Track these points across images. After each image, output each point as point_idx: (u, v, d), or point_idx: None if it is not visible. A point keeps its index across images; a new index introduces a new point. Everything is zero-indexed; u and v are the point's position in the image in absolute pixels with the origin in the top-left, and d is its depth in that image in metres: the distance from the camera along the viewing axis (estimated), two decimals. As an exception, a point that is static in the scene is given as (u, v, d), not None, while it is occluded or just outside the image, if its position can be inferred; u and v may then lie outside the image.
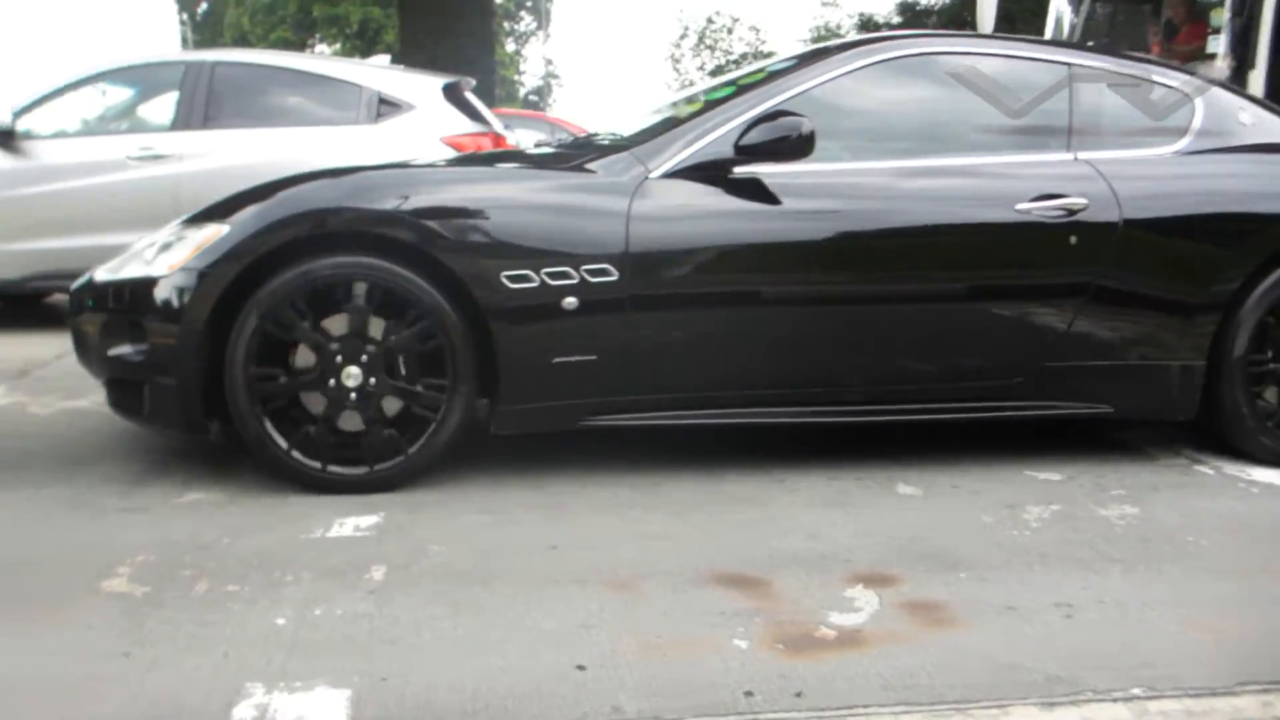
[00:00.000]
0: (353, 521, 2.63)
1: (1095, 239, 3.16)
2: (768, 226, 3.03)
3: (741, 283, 3.04)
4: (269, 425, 2.81)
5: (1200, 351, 3.24)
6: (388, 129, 5.94)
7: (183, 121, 6.07)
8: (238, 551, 2.42)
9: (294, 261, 2.78)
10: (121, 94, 6.68)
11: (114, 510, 2.72)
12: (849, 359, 3.13)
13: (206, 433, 2.89)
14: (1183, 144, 3.37)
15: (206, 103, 6.07)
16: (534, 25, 38.07)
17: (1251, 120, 3.45)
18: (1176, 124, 3.39)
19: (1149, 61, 3.57)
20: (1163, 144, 3.35)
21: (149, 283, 2.89)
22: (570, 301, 2.88)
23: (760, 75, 3.42)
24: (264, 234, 2.79)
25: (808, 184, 3.07)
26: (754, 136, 2.99)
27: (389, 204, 2.83)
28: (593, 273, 2.89)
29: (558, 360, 2.91)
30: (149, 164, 5.86)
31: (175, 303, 2.82)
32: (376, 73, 6.28)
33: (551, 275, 2.86)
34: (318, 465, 2.84)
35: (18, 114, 6.05)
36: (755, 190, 3.02)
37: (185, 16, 35.96)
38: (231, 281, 2.78)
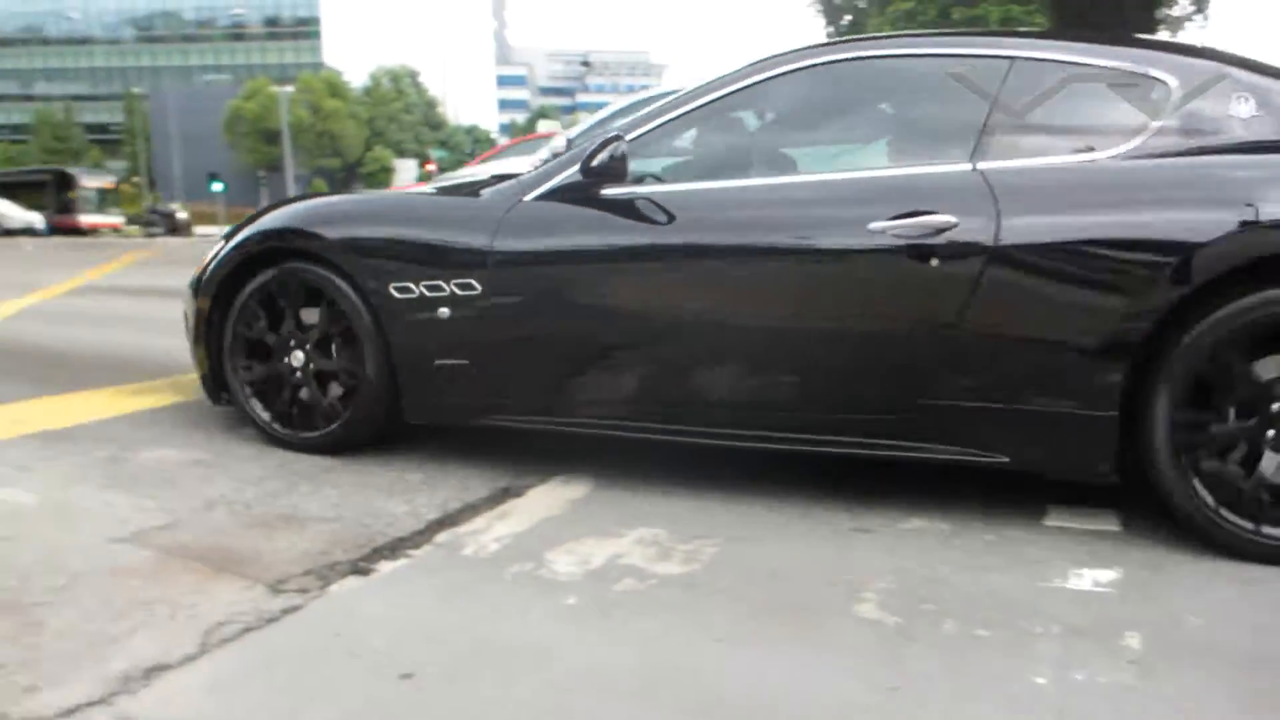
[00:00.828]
0: (1090, 575, 2.49)
1: (961, 263, 2.72)
2: (612, 247, 3.11)
3: (588, 299, 3.14)
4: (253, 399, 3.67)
5: (1108, 401, 2.63)
6: None
7: None
8: (974, 590, 2.40)
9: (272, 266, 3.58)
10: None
11: (846, 529, 2.84)
12: (702, 380, 3.06)
13: (219, 401, 3.79)
14: (1129, 146, 2.72)
15: None
16: (1191, 9, 34.76)
17: (1254, 112, 2.66)
18: (1132, 121, 2.75)
19: (1140, 43, 3.03)
20: (1103, 147, 2.74)
21: (191, 282, 3.80)
22: (444, 311, 3.24)
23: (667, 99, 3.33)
24: (235, 250, 3.64)
25: (660, 204, 3.08)
26: (599, 159, 3.06)
27: (316, 228, 3.47)
28: (460, 286, 3.21)
29: (439, 363, 3.29)
30: None
31: (194, 298, 3.76)
32: None
33: (429, 288, 3.25)
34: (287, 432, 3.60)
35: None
36: (606, 209, 3.12)
37: (832, 29, 37.84)
38: (220, 284, 3.65)
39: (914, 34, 3.26)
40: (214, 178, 40.87)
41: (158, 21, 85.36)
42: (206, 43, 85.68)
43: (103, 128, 77.07)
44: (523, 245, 3.19)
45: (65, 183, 39.41)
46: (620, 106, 7.18)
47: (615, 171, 3.06)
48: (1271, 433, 2.54)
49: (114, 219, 40.35)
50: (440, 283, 3.24)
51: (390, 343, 3.34)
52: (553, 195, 3.20)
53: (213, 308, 3.67)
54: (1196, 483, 2.60)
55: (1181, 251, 2.55)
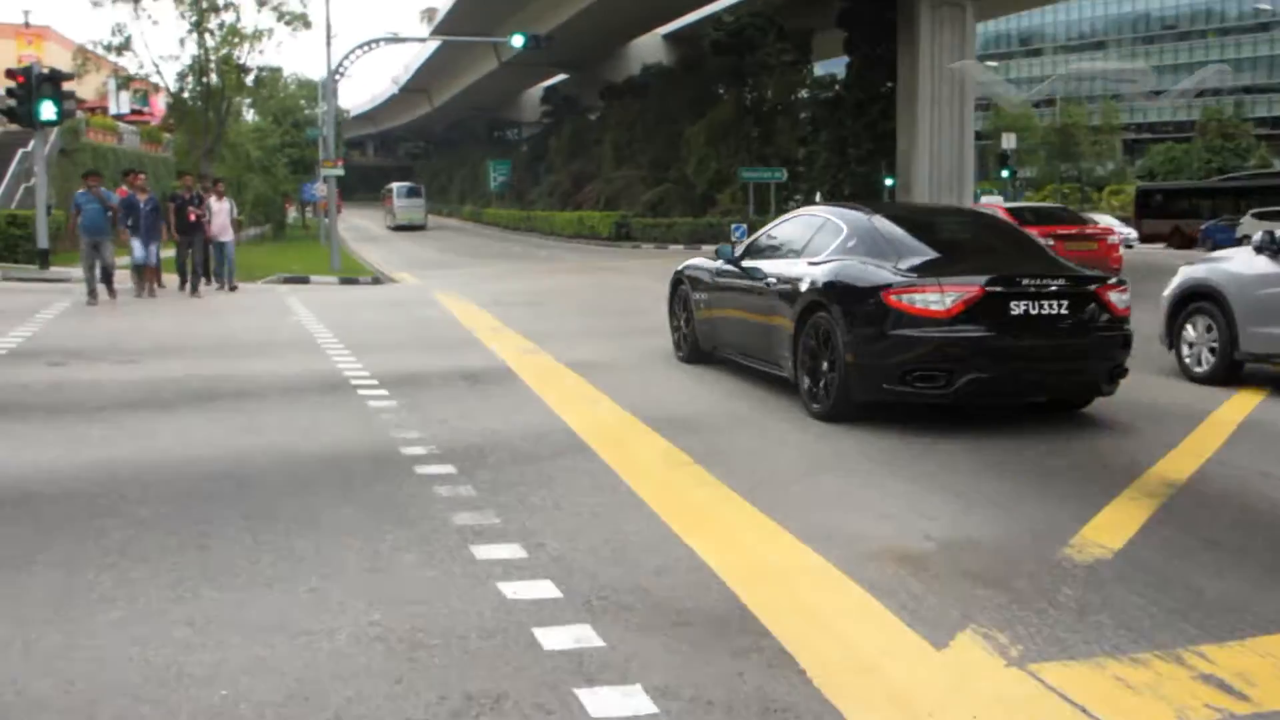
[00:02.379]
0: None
1: (777, 298, 8.12)
2: (731, 284, 9.08)
3: (728, 302, 9.13)
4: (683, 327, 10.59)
5: (788, 348, 7.85)
6: None
7: None
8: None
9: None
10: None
11: None
12: (744, 338, 8.85)
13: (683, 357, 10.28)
14: (826, 253, 7.75)
15: None
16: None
17: (852, 242, 7.70)
18: (833, 244, 7.80)
19: (846, 205, 9.02)
20: (815, 253, 7.90)
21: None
22: (701, 305, 9.69)
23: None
24: (675, 275, 10.63)
25: (743, 269, 8.85)
26: (729, 251, 9.43)
27: (686, 271, 10.32)
28: (702, 296, 9.69)
29: (701, 327, 9.73)
30: None
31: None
32: None
33: (699, 293, 9.76)
34: None
35: None
36: (734, 267, 9.06)
37: None
38: (671, 288, 10.73)
39: (821, 205, 7.80)
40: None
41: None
42: None
43: (1275, 121, 71.80)
44: (716, 280, 9.43)
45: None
46: None
47: (732, 256, 9.26)
48: (824, 366, 7.31)
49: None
50: (702, 293, 9.69)
51: (693, 314, 9.77)
52: (726, 263, 9.27)
53: (672, 297, 10.47)
54: (806, 380, 7.49)
55: (805, 288, 7.60)
